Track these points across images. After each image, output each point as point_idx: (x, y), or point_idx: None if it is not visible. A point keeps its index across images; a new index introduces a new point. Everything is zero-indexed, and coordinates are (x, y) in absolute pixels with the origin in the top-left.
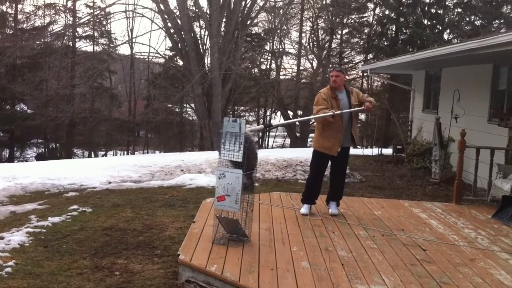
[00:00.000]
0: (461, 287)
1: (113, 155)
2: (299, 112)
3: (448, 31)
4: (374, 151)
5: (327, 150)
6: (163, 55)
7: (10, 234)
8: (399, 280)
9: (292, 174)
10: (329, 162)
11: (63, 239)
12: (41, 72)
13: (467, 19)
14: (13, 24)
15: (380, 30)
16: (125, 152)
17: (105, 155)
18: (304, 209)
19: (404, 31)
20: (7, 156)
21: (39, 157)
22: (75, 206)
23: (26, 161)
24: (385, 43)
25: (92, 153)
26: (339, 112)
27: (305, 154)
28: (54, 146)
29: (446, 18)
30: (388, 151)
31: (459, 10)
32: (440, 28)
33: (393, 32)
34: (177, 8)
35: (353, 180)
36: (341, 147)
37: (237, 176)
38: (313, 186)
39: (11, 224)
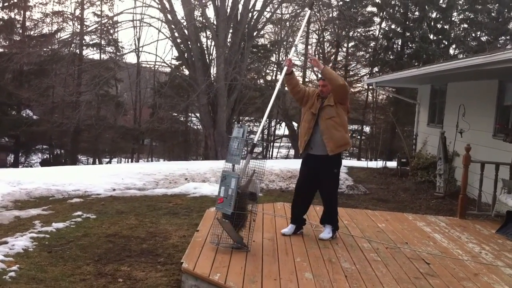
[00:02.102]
0: None
1: (118, 163)
2: None
3: (454, 46)
4: (379, 163)
5: (300, 148)
6: (170, 64)
7: (14, 238)
8: None
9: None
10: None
11: (67, 245)
12: (48, 79)
13: (473, 34)
14: (21, 31)
15: (386, 44)
16: (130, 160)
17: (110, 162)
18: (286, 228)
19: (410, 45)
20: (12, 161)
21: (44, 163)
22: (79, 212)
23: (31, 166)
24: (391, 57)
25: (97, 160)
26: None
27: None
28: (59, 152)
29: (452, 34)
30: (392, 164)
31: (465, 25)
32: (446, 43)
33: (399, 46)
34: (184, 18)
35: (357, 193)
36: (308, 153)
37: (234, 179)
38: (293, 203)
39: (15, 229)
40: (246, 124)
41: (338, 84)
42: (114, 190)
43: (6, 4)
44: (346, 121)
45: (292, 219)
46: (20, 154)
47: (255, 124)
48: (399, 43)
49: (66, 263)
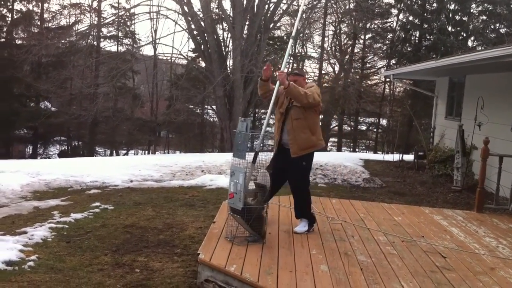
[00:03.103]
0: None
1: (135, 154)
2: (320, 116)
3: (472, 38)
4: (395, 157)
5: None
6: (186, 57)
7: (33, 229)
8: (418, 286)
9: (312, 178)
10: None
11: (85, 235)
12: (66, 71)
13: (492, 26)
14: (39, 23)
15: (403, 36)
16: (146, 152)
17: (127, 154)
18: None
19: (428, 37)
20: (31, 152)
21: (62, 155)
22: (97, 203)
23: (49, 158)
24: (408, 49)
25: (114, 151)
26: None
27: (324, 158)
28: (76, 144)
29: (471, 25)
30: (409, 157)
31: (484, 17)
32: (464, 35)
33: (417, 38)
34: (201, 10)
35: (373, 186)
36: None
37: (242, 175)
38: None
39: (35, 219)
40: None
41: (303, 103)
42: (131, 181)
43: None
44: (316, 123)
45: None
46: (38, 145)
47: (271, 117)
48: (417, 35)
49: (84, 253)
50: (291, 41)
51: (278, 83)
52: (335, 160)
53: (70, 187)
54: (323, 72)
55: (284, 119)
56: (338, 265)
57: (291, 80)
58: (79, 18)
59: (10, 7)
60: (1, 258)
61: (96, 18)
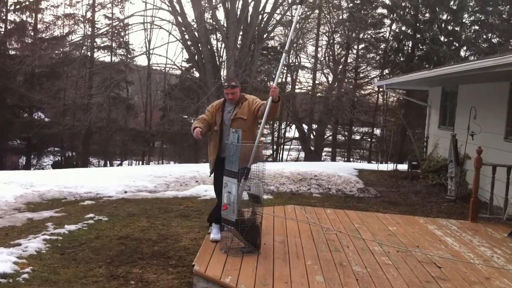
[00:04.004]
0: None
1: (129, 165)
2: (314, 126)
3: (465, 48)
4: (389, 166)
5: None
6: (180, 67)
7: (27, 240)
8: None
9: (307, 188)
10: None
11: (79, 247)
12: (59, 81)
13: (484, 36)
14: (32, 33)
15: (396, 46)
16: (140, 162)
17: (121, 164)
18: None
19: (421, 47)
20: (24, 163)
21: (56, 165)
22: (91, 215)
23: (43, 169)
24: (401, 59)
25: (108, 162)
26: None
27: (319, 168)
28: (70, 154)
29: (463, 35)
30: (403, 167)
31: (476, 27)
32: (457, 45)
33: (410, 48)
34: (195, 20)
35: (367, 195)
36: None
37: (234, 186)
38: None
39: (28, 231)
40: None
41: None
42: (125, 192)
43: (18, 6)
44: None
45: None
46: (32, 156)
47: (265, 127)
48: (410, 45)
49: (78, 265)
50: (284, 55)
51: (270, 98)
52: (329, 170)
53: (64, 198)
54: (316, 82)
55: (221, 135)
56: (334, 276)
57: (228, 92)
58: (72, 29)
59: (4, 17)
60: None
61: (90, 29)
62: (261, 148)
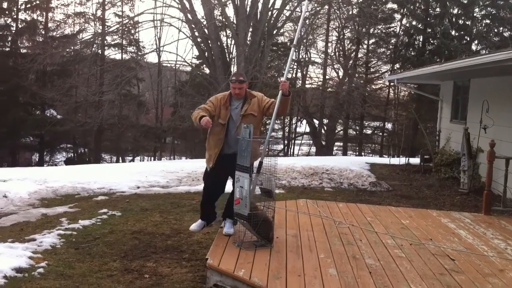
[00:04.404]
0: None
1: (140, 161)
2: (325, 121)
3: (476, 42)
4: (401, 160)
5: (206, 161)
6: (190, 64)
7: (42, 236)
8: None
9: (318, 182)
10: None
11: (93, 242)
12: (71, 79)
13: (496, 30)
14: (43, 32)
15: (407, 40)
16: (152, 158)
17: (133, 160)
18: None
19: (432, 41)
20: (37, 160)
21: (68, 162)
22: (105, 210)
23: (55, 165)
24: (412, 53)
25: (120, 158)
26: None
27: (331, 162)
28: (82, 151)
29: (474, 29)
30: (415, 160)
31: (487, 21)
32: (468, 39)
33: (420, 43)
34: (204, 17)
35: (380, 189)
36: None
37: (246, 180)
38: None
39: (43, 226)
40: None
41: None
42: (138, 187)
43: (29, 5)
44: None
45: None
46: (44, 153)
47: (276, 122)
48: (420, 40)
49: (93, 260)
50: (292, 49)
51: (280, 92)
52: (341, 164)
53: (77, 194)
54: (327, 77)
55: (227, 130)
56: (347, 268)
57: (236, 87)
58: (83, 27)
59: (15, 16)
60: (11, 265)
61: (100, 27)
62: (257, 144)
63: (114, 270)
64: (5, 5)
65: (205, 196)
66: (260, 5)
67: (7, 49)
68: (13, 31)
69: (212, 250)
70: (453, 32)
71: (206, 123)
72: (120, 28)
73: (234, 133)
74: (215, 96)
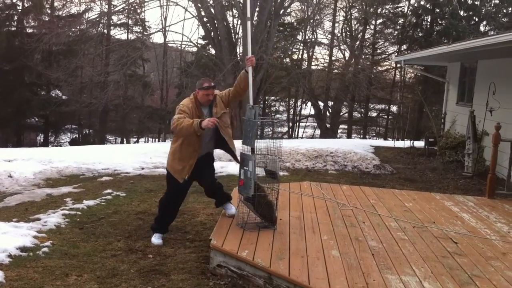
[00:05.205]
0: (493, 280)
1: (145, 142)
2: (330, 103)
3: (484, 22)
4: (406, 143)
5: (175, 172)
6: (196, 44)
7: (46, 215)
8: (430, 271)
9: (322, 165)
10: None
11: (98, 222)
12: (76, 59)
13: (504, 11)
14: (49, 11)
15: (414, 21)
16: (157, 140)
17: (137, 142)
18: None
19: (440, 22)
20: (42, 140)
21: (73, 143)
22: (109, 190)
23: (60, 146)
24: (420, 34)
25: (124, 139)
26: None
27: (335, 145)
28: (87, 132)
29: (483, 10)
30: (419, 143)
31: (496, 1)
32: (477, 19)
33: (428, 23)
34: None
35: (383, 172)
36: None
37: (251, 162)
38: (170, 213)
39: (48, 206)
40: (272, 104)
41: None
42: (142, 168)
43: None
44: None
45: (165, 229)
46: (49, 134)
47: (281, 104)
48: (428, 20)
49: (97, 239)
50: (248, 23)
51: (245, 69)
52: (345, 147)
53: (82, 174)
54: (333, 58)
55: (202, 140)
56: (349, 250)
57: (209, 93)
58: (89, 6)
59: None
60: (16, 245)
61: (106, 6)
62: (228, 115)
63: (118, 250)
64: None
65: (172, 205)
66: None
67: (13, 28)
68: (19, 10)
69: (216, 231)
70: (461, 13)
71: (213, 122)
72: (126, 7)
73: (208, 139)
74: (185, 105)
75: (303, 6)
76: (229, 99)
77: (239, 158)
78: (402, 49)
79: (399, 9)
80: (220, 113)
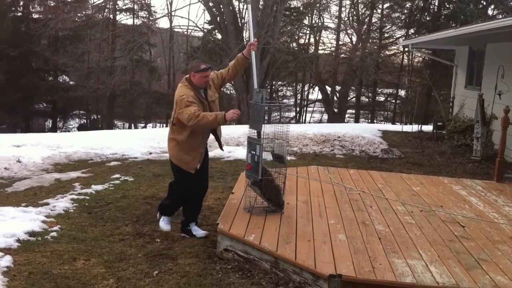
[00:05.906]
0: (499, 264)
1: (153, 128)
2: (337, 88)
3: (492, 6)
4: (414, 127)
5: (186, 164)
6: (202, 29)
7: (55, 200)
8: (437, 255)
9: (330, 149)
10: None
11: (106, 206)
12: (83, 44)
13: None
14: None
15: (422, 4)
16: (164, 125)
17: (145, 127)
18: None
19: (447, 6)
20: (50, 126)
21: (81, 128)
22: (117, 175)
23: (68, 131)
24: (427, 18)
25: (132, 125)
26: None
27: (343, 129)
28: (95, 117)
29: None
30: (428, 128)
31: None
32: (484, 3)
33: (436, 7)
34: None
35: (391, 156)
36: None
37: (258, 145)
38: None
39: (56, 191)
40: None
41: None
42: (150, 153)
43: None
44: None
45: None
46: (57, 119)
47: (288, 88)
48: (436, 4)
49: (105, 224)
50: (249, 6)
51: (242, 54)
52: (353, 131)
53: (90, 159)
54: (340, 42)
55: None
56: (356, 234)
57: (207, 74)
58: None
59: None
60: (24, 229)
61: None
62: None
63: (126, 234)
64: None
65: (191, 196)
66: None
67: (19, 14)
68: None
69: (223, 215)
70: None
71: (237, 113)
72: None
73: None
74: (188, 95)
75: None
76: (223, 82)
77: (246, 142)
78: (409, 33)
79: None
80: (214, 97)
